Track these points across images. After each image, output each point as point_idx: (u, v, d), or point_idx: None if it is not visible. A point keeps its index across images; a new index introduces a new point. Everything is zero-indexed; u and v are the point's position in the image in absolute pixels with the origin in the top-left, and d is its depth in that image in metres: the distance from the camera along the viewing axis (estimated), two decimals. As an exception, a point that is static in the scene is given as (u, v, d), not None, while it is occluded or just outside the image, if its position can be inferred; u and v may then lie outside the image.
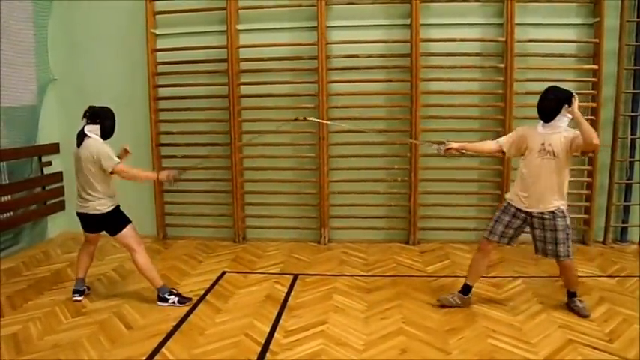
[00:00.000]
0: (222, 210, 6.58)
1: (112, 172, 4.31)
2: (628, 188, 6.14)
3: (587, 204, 6.09)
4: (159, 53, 6.40)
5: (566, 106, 3.88)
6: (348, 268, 5.50)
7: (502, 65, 5.89)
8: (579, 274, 4.96)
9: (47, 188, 6.59)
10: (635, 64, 5.93)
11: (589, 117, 5.92)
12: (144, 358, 3.63)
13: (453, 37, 5.94)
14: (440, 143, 4.38)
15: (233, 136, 6.27)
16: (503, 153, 4.30)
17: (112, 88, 6.51)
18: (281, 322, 4.19)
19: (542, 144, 4.00)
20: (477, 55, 6.00)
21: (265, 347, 3.77)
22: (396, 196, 6.35)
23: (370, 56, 6.06)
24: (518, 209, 4.15)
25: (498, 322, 4.12)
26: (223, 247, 6.28)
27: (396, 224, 6.43)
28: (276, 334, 3.97)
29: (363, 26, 6.13)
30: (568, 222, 4.08)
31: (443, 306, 4.39)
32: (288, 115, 6.21)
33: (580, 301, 4.28)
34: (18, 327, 4.12)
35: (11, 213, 5.97)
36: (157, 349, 3.75)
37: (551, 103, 3.95)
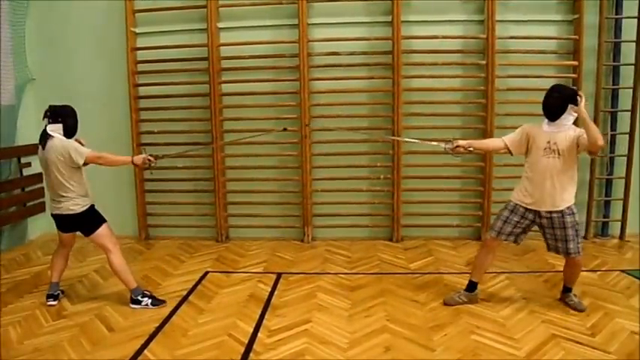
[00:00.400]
0: (205, 209, 6.54)
1: (85, 163, 4.24)
2: (609, 183, 6.21)
3: (569, 199, 6.12)
4: (139, 52, 6.34)
5: (573, 105, 3.87)
6: (332, 266, 5.49)
7: (483, 62, 5.92)
8: (561, 268, 5.00)
9: (27, 189, 6.49)
10: (614, 61, 5.99)
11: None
12: (126, 360, 3.60)
13: (435, 34, 5.96)
14: (447, 142, 4.32)
15: (214, 135, 6.23)
16: (509, 151, 4.25)
17: (92, 87, 6.46)
18: (265, 321, 4.17)
19: (548, 142, 3.98)
20: (458, 52, 6.03)
21: (249, 347, 3.75)
22: (379, 194, 6.35)
23: (352, 54, 6.06)
24: (527, 209, 4.13)
25: (482, 318, 4.14)
26: (206, 246, 6.24)
27: (380, 222, 6.44)
28: (259, 334, 3.95)
29: (344, 24, 6.12)
30: (576, 218, 4.08)
31: (447, 304, 4.38)
32: (270, 114, 6.22)
33: (575, 295, 4.33)
34: (-3, 331, 4.06)
35: (-10, 215, 5.88)
36: (139, 351, 3.70)
37: (557, 101, 3.93)
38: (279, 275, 5.22)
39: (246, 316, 4.27)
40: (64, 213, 4.32)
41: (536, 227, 4.24)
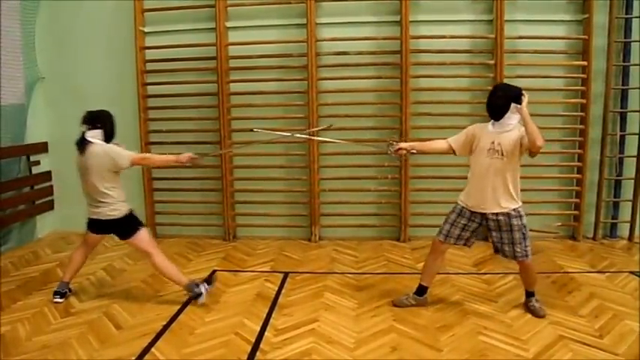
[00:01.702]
0: (213, 208, 6.55)
1: (131, 165, 4.25)
2: (617, 184, 6.17)
3: (577, 200, 6.10)
4: (148, 51, 6.36)
5: (516, 104, 3.81)
6: (339, 266, 5.49)
7: (492, 62, 5.90)
8: (570, 270, 5.00)
9: (36, 187, 6.54)
10: (624, 61, 5.95)
11: (579, 113, 5.96)
12: (133, 358, 3.60)
13: (443, 34, 5.94)
14: (389, 144, 4.27)
15: (223, 134, 6.24)
16: (454, 151, 4.18)
17: (101, 86, 6.48)
18: (271, 320, 4.18)
19: (492, 143, 3.91)
20: (466, 52, 6.01)
21: (256, 346, 3.75)
22: (387, 194, 6.35)
23: (360, 53, 6.05)
24: (472, 212, 4.06)
25: (489, 319, 4.13)
26: (213, 245, 6.25)
27: (387, 221, 6.43)
28: (266, 333, 3.95)
29: (352, 23, 6.11)
30: (524, 221, 3.99)
31: (395, 306, 4.36)
32: (278, 113, 6.22)
33: (537, 300, 4.23)
34: (6, 328, 4.07)
35: (-1, 213, 5.92)
36: (146, 349, 3.72)
37: (499, 100, 3.89)
38: (286, 274, 5.22)
39: (253, 314, 4.28)
40: (103, 218, 4.31)
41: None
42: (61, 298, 4.58)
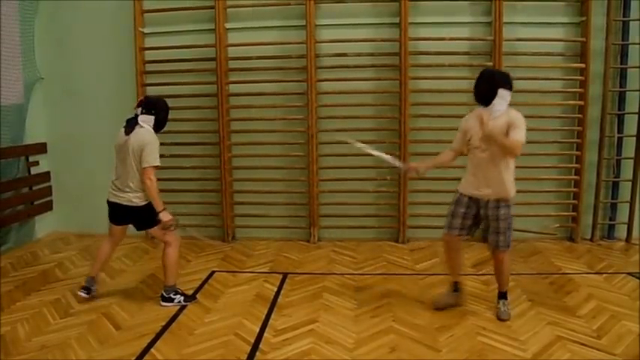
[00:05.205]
0: (212, 209, 6.56)
1: (143, 169, 4.20)
2: (615, 186, 6.19)
3: (575, 201, 6.12)
4: (147, 52, 6.36)
5: (505, 89, 3.84)
6: (338, 267, 5.50)
7: (490, 64, 5.90)
8: (567, 271, 5.01)
9: (34, 188, 6.54)
10: (621, 63, 5.97)
11: (577, 115, 5.98)
12: (133, 358, 3.61)
13: (442, 36, 5.96)
14: (404, 162, 4.37)
15: (222, 135, 6.25)
16: (460, 152, 4.23)
17: (100, 87, 6.49)
18: (271, 321, 4.19)
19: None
20: (465, 53, 6.02)
21: (255, 347, 3.76)
22: (386, 195, 6.36)
23: (359, 55, 6.07)
24: (470, 197, 4.08)
25: (488, 319, 4.14)
26: (212, 246, 6.25)
27: (386, 223, 6.44)
28: (265, 334, 3.96)
29: (351, 25, 6.12)
30: (511, 212, 4.00)
31: (436, 308, 4.35)
32: (277, 114, 6.24)
33: (504, 303, 4.19)
34: (5, 328, 4.07)
35: (-2, 213, 5.92)
36: (146, 350, 3.73)
37: (483, 87, 3.91)
38: (285, 275, 5.24)
39: (253, 315, 4.29)
40: (124, 203, 4.30)
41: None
42: (87, 293, 4.56)
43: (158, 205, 4.27)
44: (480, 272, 5.15)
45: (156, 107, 4.35)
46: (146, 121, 4.30)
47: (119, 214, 4.41)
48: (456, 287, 4.41)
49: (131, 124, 4.29)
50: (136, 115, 4.32)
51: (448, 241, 4.30)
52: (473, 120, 4.02)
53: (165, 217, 4.28)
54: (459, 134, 4.20)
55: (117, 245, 4.73)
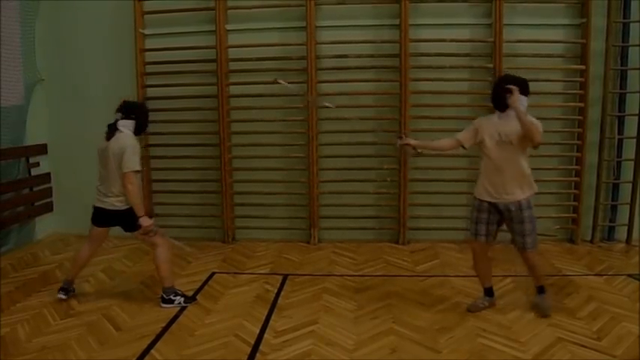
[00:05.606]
0: (212, 210, 6.56)
1: (124, 173, 4.20)
2: (615, 187, 6.19)
3: (575, 203, 6.13)
4: (147, 53, 6.37)
5: (522, 95, 3.87)
6: (338, 268, 5.50)
7: (491, 65, 5.91)
8: (568, 272, 5.01)
9: (35, 189, 6.54)
10: (621, 65, 5.98)
11: (577, 117, 5.98)
12: (133, 359, 3.61)
13: (442, 38, 5.96)
14: (399, 136, 4.40)
15: (222, 137, 6.25)
16: (462, 145, 4.21)
17: (100, 88, 6.49)
18: (271, 322, 4.19)
19: (499, 134, 3.95)
20: (465, 55, 6.03)
21: (255, 348, 3.76)
22: (386, 196, 6.35)
23: (359, 56, 6.07)
24: (489, 203, 4.09)
25: (488, 321, 4.14)
26: (213, 247, 6.26)
27: (386, 224, 6.44)
28: (266, 335, 3.96)
29: (352, 26, 6.13)
30: (533, 212, 4.03)
31: (470, 311, 4.32)
32: (277, 116, 6.24)
33: (544, 298, 4.24)
34: (6, 329, 4.07)
35: (-2, 214, 5.92)
36: (146, 351, 3.72)
37: (499, 92, 3.96)
38: (285, 276, 5.23)
39: (253, 316, 4.29)
40: (108, 208, 4.33)
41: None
42: (64, 294, 4.59)
43: (138, 211, 4.28)
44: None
45: (135, 111, 4.37)
46: (126, 126, 4.32)
47: (103, 217, 4.43)
48: (489, 292, 4.40)
49: (111, 129, 4.31)
50: (116, 120, 4.33)
51: (477, 250, 4.29)
52: (487, 123, 4.07)
53: (145, 222, 4.30)
54: (470, 127, 4.20)
55: (97, 248, 4.73)
